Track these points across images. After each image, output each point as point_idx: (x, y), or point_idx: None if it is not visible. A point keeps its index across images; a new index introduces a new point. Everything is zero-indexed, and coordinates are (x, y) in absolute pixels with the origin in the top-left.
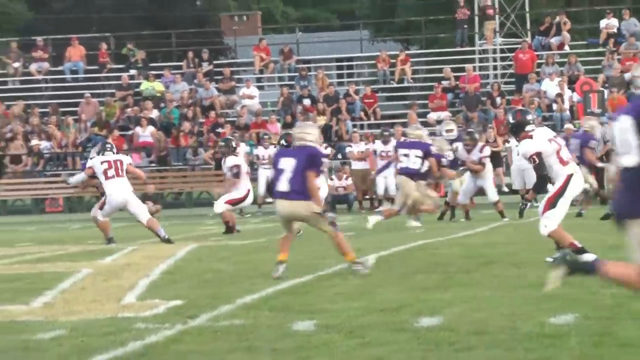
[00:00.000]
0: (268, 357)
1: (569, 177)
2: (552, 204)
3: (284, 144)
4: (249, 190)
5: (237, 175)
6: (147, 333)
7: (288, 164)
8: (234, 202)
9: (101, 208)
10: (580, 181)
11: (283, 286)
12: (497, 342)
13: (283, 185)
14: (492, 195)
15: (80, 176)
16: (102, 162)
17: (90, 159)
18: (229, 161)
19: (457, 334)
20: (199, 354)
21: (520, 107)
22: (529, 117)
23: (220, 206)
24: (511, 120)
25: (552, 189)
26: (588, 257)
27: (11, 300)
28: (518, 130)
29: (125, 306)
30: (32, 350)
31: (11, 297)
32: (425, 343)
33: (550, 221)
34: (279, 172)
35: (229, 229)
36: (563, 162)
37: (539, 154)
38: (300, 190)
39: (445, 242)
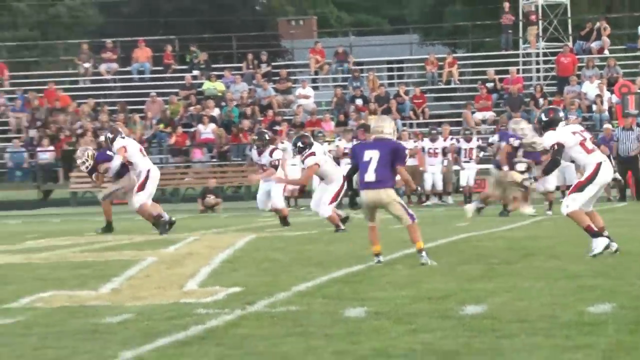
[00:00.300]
0: (321, 341)
1: (599, 165)
2: (579, 188)
3: (301, 145)
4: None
5: (276, 167)
6: (208, 318)
7: (373, 156)
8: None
9: (140, 190)
10: (610, 170)
11: (336, 275)
12: (537, 329)
13: (369, 176)
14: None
15: (117, 161)
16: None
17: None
18: (276, 155)
19: (499, 321)
20: (256, 337)
21: (552, 106)
22: (560, 114)
23: (280, 202)
24: (544, 118)
25: (582, 176)
26: (602, 241)
27: (80, 286)
28: (550, 127)
29: (187, 292)
30: (100, 333)
31: (80, 283)
32: (470, 330)
33: (572, 202)
34: (364, 164)
35: (284, 221)
36: (588, 151)
37: (560, 145)
38: (384, 179)
39: (489, 235)
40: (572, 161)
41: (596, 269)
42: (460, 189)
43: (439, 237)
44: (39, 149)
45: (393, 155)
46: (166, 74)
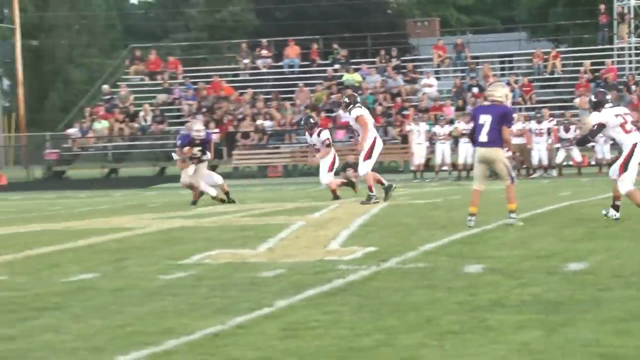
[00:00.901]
0: (445, 293)
1: (634, 145)
2: (624, 167)
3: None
4: (335, 155)
5: (329, 145)
6: (348, 273)
7: (486, 120)
8: (331, 168)
9: (331, 170)
10: None
11: (456, 237)
12: (631, 283)
13: (483, 137)
14: None
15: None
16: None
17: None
18: (323, 135)
19: (598, 277)
20: (389, 290)
21: (601, 89)
22: (608, 97)
23: (326, 177)
24: (593, 99)
25: (621, 156)
26: None
27: (242, 246)
28: (598, 106)
29: (330, 251)
30: (258, 284)
31: (242, 243)
32: (572, 284)
33: (625, 183)
34: (480, 126)
35: (350, 184)
36: (626, 132)
37: (601, 125)
38: (495, 140)
39: (589, 202)
40: (613, 140)
41: None
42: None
43: (545, 204)
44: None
45: (501, 118)
46: (312, 68)
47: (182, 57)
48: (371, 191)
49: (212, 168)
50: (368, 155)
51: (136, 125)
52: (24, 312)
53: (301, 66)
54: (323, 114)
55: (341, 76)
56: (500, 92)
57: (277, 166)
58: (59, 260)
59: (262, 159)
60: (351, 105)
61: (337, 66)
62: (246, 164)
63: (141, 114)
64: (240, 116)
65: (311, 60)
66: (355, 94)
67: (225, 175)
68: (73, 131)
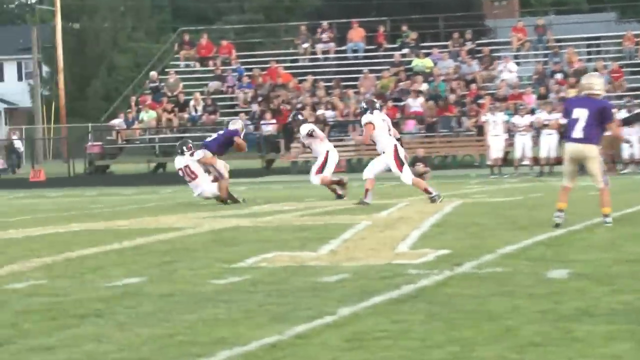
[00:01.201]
0: (525, 301)
1: None
2: None
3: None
4: (327, 151)
5: (311, 135)
6: (419, 278)
7: (581, 114)
8: (322, 168)
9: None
10: None
11: (539, 238)
12: None
13: (577, 132)
14: None
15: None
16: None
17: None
18: (303, 129)
19: None
20: (464, 296)
21: None
22: None
23: (315, 179)
24: None
25: None
26: None
27: (301, 248)
28: None
29: (399, 254)
30: (319, 290)
31: (301, 244)
32: None
33: None
34: (573, 121)
35: (340, 183)
36: None
37: None
38: (590, 136)
39: None
40: None
41: None
42: None
43: (637, 203)
44: (262, 121)
45: (600, 114)
46: (378, 53)
47: (235, 41)
48: (429, 193)
49: (269, 163)
50: (400, 163)
51: (186, 115)
52: (64, 320)
53: (366, 51)
54: (390, 103)
55: (410, 62)
56: (600, 85)
57: (340, 160)
58: (102, 263)
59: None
60: (368, 111)
61: (405, 50)
62: (305, 158)
63: (191, 103)
64: (299, 106)
65: (377, 44)
66: (374, 101)
67: (283, 171)
68: (117, 122)
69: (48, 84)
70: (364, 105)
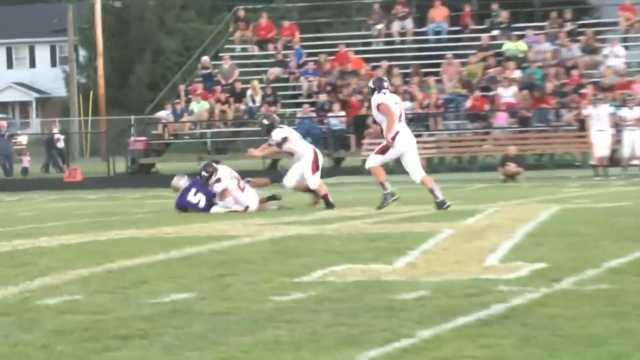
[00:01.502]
0: (635, 323)
1: None
2: None
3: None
4: (314, 150)
5: (279, 145)
6: (511, 296)
7: None
8: (315, 169)
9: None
10: None
11: None
12: None
13: None
14: None
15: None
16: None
17: None
18: (275, 134)
19: None
20: (563, 318)
21: None
22: None
23: (313, 180)
24: None
25: None
26: None
27: (375, 260)
28: None
29: (488, 268)
30: (395, 309)
31: (375, 256)
32: None
33: None
34: None
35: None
36: None
37: None
38: None
39: None
40: None
41: None
42: None
43: None
44: (329, 114)
45: None
46: (463, 35)
47: (299, 22)
48: (384, 188)
49: (338, 161)
50: (381, 151)
51: (242, 106)
52: (104, 341)
53: (449, 32)
54: (477, 93)
55: (501, 45)
56: None
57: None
58: (147, 276)
59: None
60: (376, 91)
61: (495, 32)
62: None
63: (248, 92)
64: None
65: (463, 25)
66: (383, 78)
67: (354, 171)
68: (164, 114)
69: (85, 71)
70: (371, 85)
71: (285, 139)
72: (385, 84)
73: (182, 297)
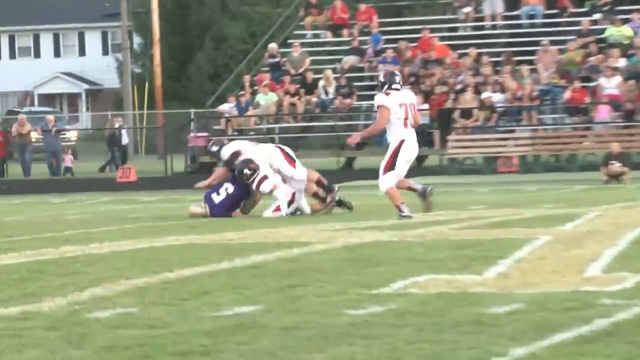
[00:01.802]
0: None
1: None
2: None
3: (381, 81)
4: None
5: (229, 163)
6: (615, 310)
7: None
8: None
9: None
10: None
11: None
12: None
13: None
14: None
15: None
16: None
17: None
18: (225, 152)
19: None
20: None
21: None
22: None
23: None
24: None
25: None
26: None
27: (462, 270)
28: None
29: (589, 279)
30: (485, 325)
31: (462, 265)
32: None
33: None
34: None
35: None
36: None
37: None
38: None
39: None
40: None
41: None
42: None
43: None
44: None
45: None
46: (561, 19)
47: (378, 5)
48: (400, 210)
49: (420, 160)
50: (390, 166)
51: (314, 99)
52: (160, 358)
53: (545, 16)
54: (577, 84)
55: (603, 30)
56: None
57: (512, 157)
58: (209, 286)
59: (489, 146)
60: (386, 86)
61: (597, 16)
62: (467, 154)
63: (321, 83)
64: (458, 87)
65: (560, 7)
66: (396, 72)
67: (438, 171)
68: (227, 107)
69: (140, 59)
70: (381, 79)
71: (235, 154)
72: (397, 79)
73: (246, 310)
